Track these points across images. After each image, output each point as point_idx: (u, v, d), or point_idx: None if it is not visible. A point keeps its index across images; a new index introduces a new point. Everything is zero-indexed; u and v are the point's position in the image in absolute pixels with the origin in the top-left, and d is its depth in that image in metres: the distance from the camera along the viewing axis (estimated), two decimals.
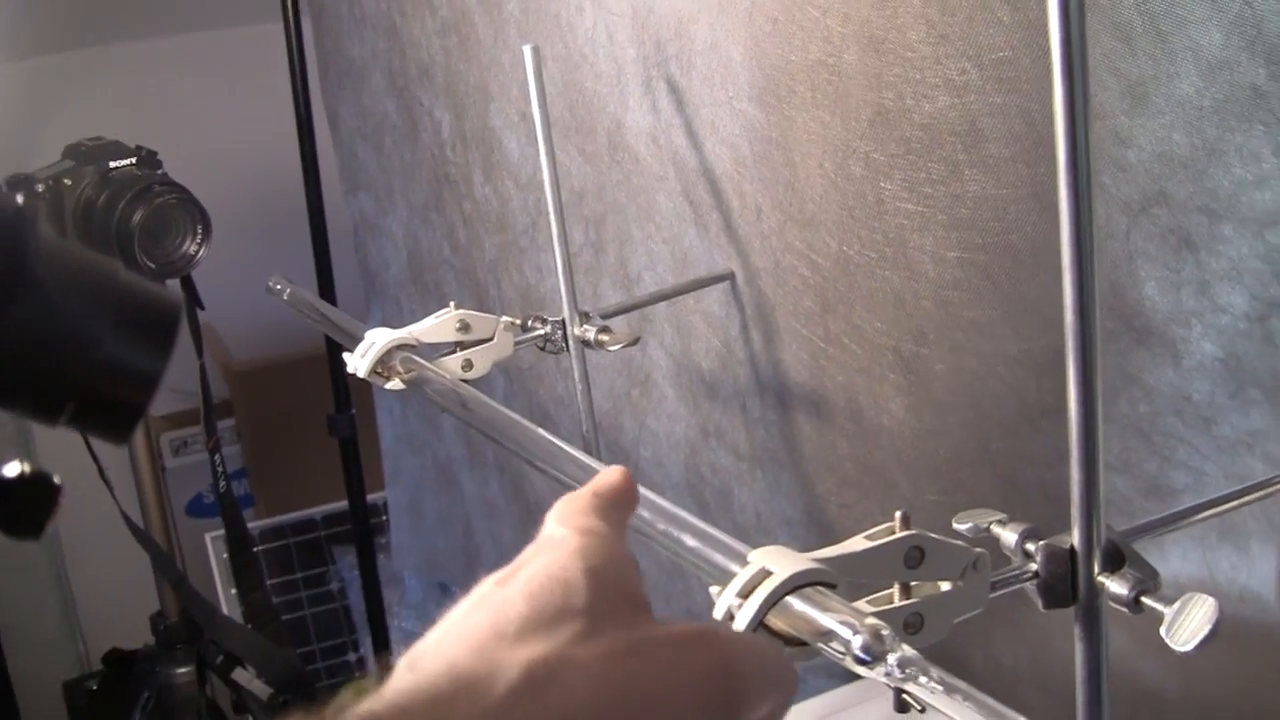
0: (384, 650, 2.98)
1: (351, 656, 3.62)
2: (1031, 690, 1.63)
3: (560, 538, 0.72)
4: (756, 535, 1.88)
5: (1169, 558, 1.44)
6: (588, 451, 1.66)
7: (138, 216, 2.22)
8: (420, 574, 3.36)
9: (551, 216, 1.65)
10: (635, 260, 1.91)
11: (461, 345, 1.58)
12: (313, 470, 3.48)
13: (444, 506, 3.10)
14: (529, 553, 0.71)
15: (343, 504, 3.04)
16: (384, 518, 3.47)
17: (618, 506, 0.78)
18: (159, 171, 2.34)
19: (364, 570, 2.96)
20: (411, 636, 3.29)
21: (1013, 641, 1.61)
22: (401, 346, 1.52)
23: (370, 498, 3.00)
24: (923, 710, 0.69)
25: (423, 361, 1.48)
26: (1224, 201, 1.23)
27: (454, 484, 2.99)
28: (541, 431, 1.21)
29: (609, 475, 0.80)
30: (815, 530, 1.79)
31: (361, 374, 1.50)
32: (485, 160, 2.30)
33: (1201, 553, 1.42)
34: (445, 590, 3.40)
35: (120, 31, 3.60)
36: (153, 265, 2.25)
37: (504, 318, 1.62)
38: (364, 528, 2.93)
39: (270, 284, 1.83)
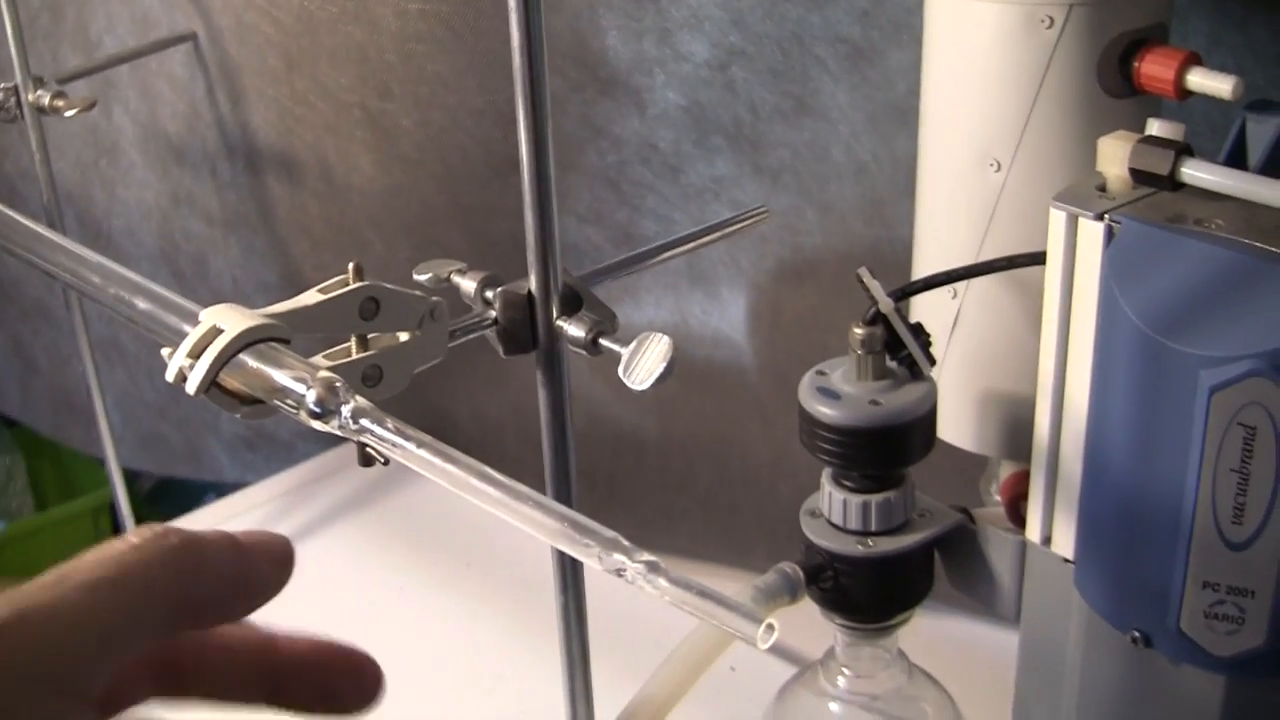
0: None
1: None
2: (515, 440, 1.66)
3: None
4: (235, 301, 1.84)
5: (643, 306, 1.47)
6: (51, 225, 1.58)
7: None
8: None
9: None
10: (95, 23, 1.82)
11: None
12: None
13: None
14: None
15: None
16: None
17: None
18: None
19: None
20: None
21: (496, 395, 1.63)
22: None
23: None
24: (386, 462, 0.68)
25: None
26: None
27: None
28: None
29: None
30: (293, 293, 1.76)
31: None
32: None
33: (674, 299, 1.45)
34: None
35: None
36: None
37: None
38: None
39: None
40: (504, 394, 1.57)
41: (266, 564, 0.56)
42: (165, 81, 1.76)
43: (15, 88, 1.59)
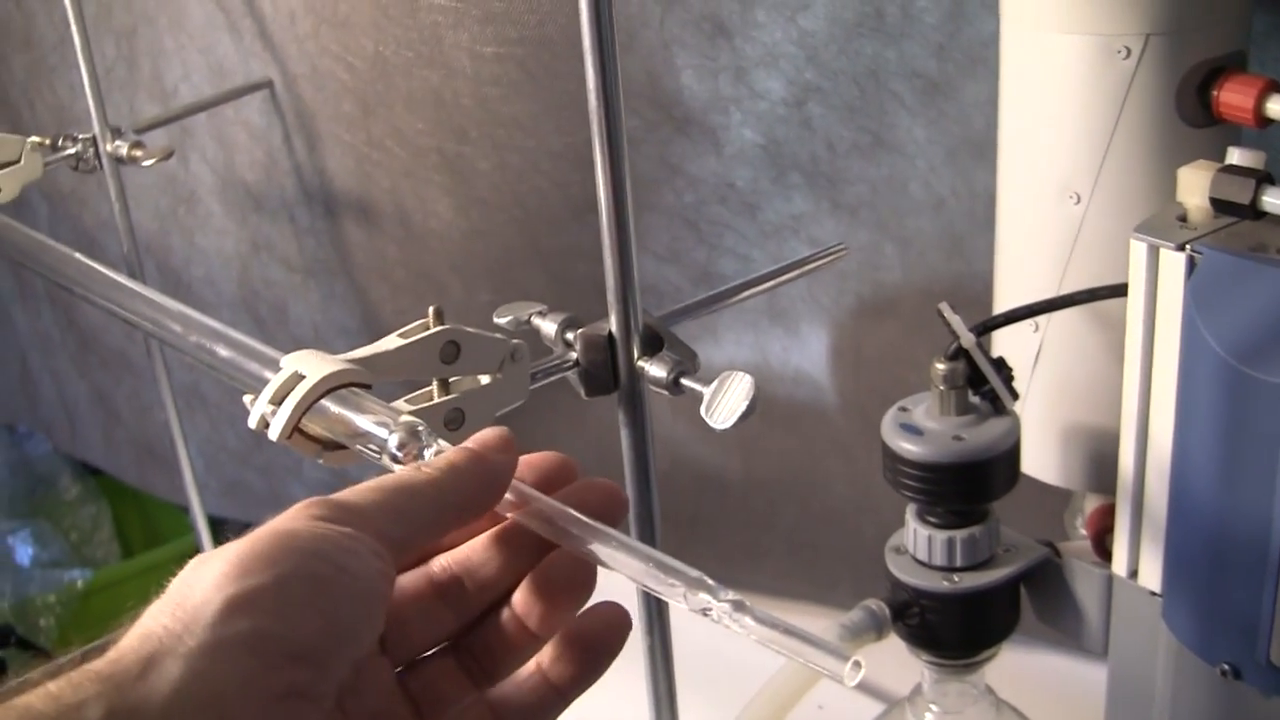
0: None
1: None
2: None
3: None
4: (315, 347, 1.85)
5: (723, 344, 1.46)
6: (131, 274, 1.60)
7: None
8: None
9: (74, 29, 1.57)
10: (171, 73, 1.84)
11: None
12: None
13: None
14: None
15: None
16: None
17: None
18: None
19: None
20: None
21: (578, 435, 1.63)
22: None
23: None
24: None
25: None
26: None
27: (5, 319, 2.87)
28: (78, 255, 1.16)
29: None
30: (373, 338, 1.77)
31: None
32: None
33: (754, 337, 1.45)
34: (11, 432, 3.27)
35: None
36: None
37: (31, 138, 1.55)
38: None
39: None
40: (585, 435, 1.57)
41: (496, 454, 0.61)
42: (242, 129, 1.78)
43: (93, 138, 1.61)
